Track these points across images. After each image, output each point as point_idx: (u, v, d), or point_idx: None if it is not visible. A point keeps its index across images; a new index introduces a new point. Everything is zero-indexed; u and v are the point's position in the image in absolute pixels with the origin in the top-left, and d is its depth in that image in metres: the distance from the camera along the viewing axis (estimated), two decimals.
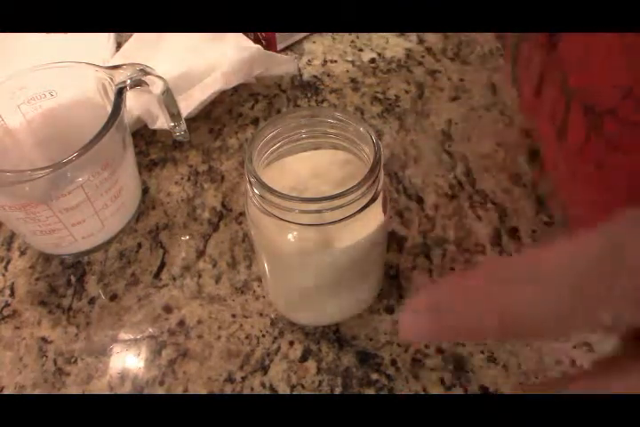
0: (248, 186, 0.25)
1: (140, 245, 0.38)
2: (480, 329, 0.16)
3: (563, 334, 0.15)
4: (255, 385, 0.32)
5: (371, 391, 0.31)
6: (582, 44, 0.27)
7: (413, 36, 0.49)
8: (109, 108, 0.33)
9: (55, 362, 0.33)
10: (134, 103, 0.40)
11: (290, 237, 0.26)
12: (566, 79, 0.28)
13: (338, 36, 0.49)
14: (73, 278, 0.37)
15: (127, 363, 0.33)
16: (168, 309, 0.35)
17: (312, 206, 0.24)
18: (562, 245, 0.15)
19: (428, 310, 0.16)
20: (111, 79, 0.33)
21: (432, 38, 0.48)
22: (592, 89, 0.26)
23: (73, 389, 0.32)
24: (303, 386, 0.32)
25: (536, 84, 0.31)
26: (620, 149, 0.25)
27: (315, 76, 0.46)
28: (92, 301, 0.36)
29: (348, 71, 0.47)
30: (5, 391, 0.32)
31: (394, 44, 0.48)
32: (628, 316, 0.14)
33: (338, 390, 0.31)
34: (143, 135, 0.43)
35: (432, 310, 0.16)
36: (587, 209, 0.32)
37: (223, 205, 0.39)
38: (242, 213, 0.38)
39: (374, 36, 0.49)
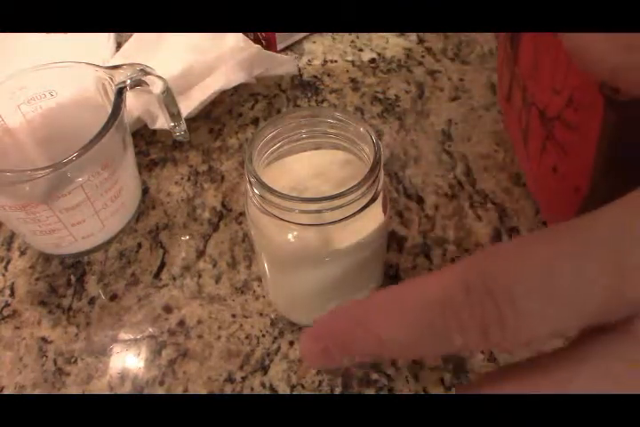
0: (248, 186, 0.25)
1: (139, 245, 0.38)
2: (358, 356, 0.18)
3: (429, 355, 0.17)
4: (255, 385, 0.32)
5: (371, 391, 0.31)
6: (532, 52, 0.27)
7: (413, 36, 0.49)
8: (109, 108, 0.33)
9: (55, 362, 0.33)
10: (134, 103, 0.40)
11: (290, 237, 0.26)
12: (525, 86, 0.29)
13: (338, 36, 0.49)
14: (73, 278, 0.37)
15: (127, 363, 0.33)
16: (168, 309, 0.35)
17: (312, 206, 0.24)
18: (430, 277, 0.17)
19: (316, 339, 0.19)
20: (111, 79, 0.33)
21: (432, 38, 0.48)
22: (541, 96, 0.27)
23: (73, 389, 0.32)
24: (303, 386, 0.32)
25: (507, 90, 0.32)
26: (568, 152, 0.26)
27: (315, 76, 0.46)
28: (92, 301, 0.36)
29: (348, 71, 0.47)
30: (5, 391, 0.32)
31: (394, 44, 0.48)
32: (474, 342, 0.16)
33: (338, 390, 0.31)
34: (143, 135, 0.43)
35: (318, 340, 0.19)
36: (546, 207, 0.33)
37: (223, 205, 0.39)
38: (242, 213, 0.38)
39: (374, 36, 0.49)
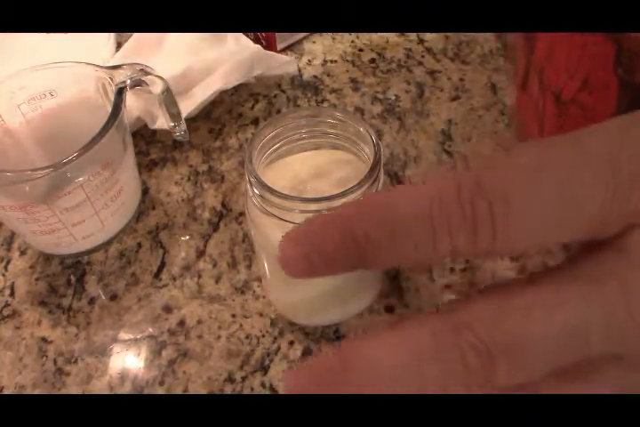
0: (248, 186, 0.25)
1: (140, 245, 0.38)
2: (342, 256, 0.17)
3: (411, 261, 0.16)
4: (255, 385, 0.32)
5: None
6: (548, 41, 0.27)
7: (413, 36, 0.49)
8: (109, 108, 0.33)
9: (55, 362, 0.33)
10: (134, 103, 0.40)
11: None
12: (542, 73, 0.29)
13: (338, 36, 0.49)
14: (73, 278, 0.37)
15: (127, 363, 0.33)
16: (168, 309, 0.35)
17: (312, 206, 0.24)
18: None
19: (297, 244, 0.17)
20: (111, 79, 0.33)
21: (432, 38, 0.48)
22: (557, 80, 0.27)
23: (73, 389, 0.32)
24: None
25: (522, 78, 0.32)
26: None
27: (315, 76, 0.46)
28: (92, 301, 0.36)
29: (348, 71, 0.47)
30: (5, 391, 0.32)
31: (394, 44, 0.48)
32: (462, 245, 0.15)
33: None
34: (143, 135, 0.43)
35: (298, 245, 0.17)
36: None
37: (223, 205, 0.39)
38: (242, 213, 0.38)
39: (374, 36, 0.49)
